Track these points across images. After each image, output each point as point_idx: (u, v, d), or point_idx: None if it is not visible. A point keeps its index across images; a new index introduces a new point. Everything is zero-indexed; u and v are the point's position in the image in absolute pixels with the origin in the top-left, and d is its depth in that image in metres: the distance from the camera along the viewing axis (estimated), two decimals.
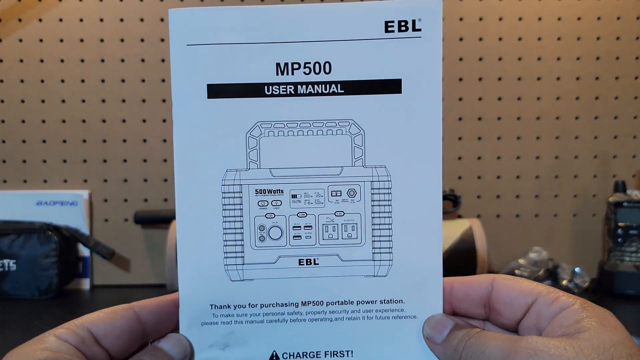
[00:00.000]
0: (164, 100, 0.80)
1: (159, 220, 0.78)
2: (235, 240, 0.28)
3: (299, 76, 0.27)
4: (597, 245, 0.83)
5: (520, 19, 0.79)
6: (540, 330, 0.25)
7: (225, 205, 0.27)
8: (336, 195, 0.28)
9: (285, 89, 0.27)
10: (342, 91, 0.27)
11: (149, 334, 0.27)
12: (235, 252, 0.28)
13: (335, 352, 0.28)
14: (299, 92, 0.27)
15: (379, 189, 0.28)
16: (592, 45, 0.80)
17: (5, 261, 0.73)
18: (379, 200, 0.28)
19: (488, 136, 0.81)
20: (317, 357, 0.28)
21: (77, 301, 0.74)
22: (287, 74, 0.27)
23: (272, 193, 0.28)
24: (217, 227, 0.27)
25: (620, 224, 0.74)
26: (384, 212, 0.28)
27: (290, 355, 0.28)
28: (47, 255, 0.73)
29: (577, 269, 0.73)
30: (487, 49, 0.80)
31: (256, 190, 0.28)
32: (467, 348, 0.25)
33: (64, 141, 0.80)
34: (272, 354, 0.28)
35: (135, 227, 0.81)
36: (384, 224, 0.28)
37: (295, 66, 0.27)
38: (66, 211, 0.79)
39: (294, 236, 0.28)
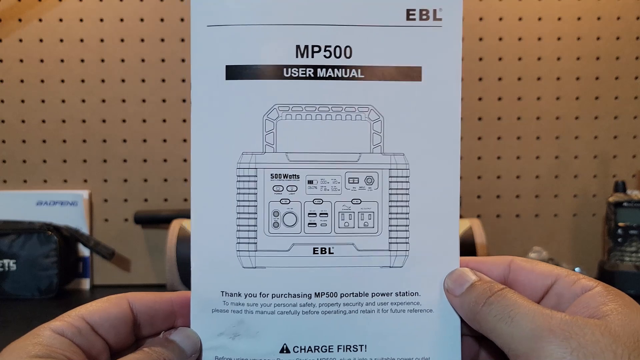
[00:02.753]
0: (164, 100, 0.80)
1: (159, 220, 0.78)
2: (249, 226, 0.27)
3: (319, 59, 0.27)
4: (597, 245, 0.83)
5: (520, 19, 0.79)
6: (562, 311, 0.24)
7: (239, 189, 0.27)
8: (353, 183, 0.27)
9: (304, 72, 0.27)
10: (362, 76, 0.27)
11: (142, 328, 0.26)
12: (248, 238, 0.27)
13: (348, 347, 0.27)
14: (318, 76, 0.27)
15: (397, 177, 0.27)
16: (592, 46, 0.80)
17: (6, 261, 0.73)
18: (397, 189, 0.27)
19: (488, 136, 0.81)
20: (329, 351, 0.27)
21: (77, 301, 0.74)
22: (307, 56, 0.27)
23: (288, 178, 0.27)
24: (231, 212, 0.27)
25: (620, 224, 0.74)
26: (402, 201, 0.27)
27: (301, 349, 0.27)
28: (47, 255, 0.73)
29: (577, 269, 0.73)
30: (487, 49, 0.80)
31: (271, 174, 0.27)
32: (489, 305, 0.24)
33: (64, 141, 0.80)
34: (283, 346, 0.27)
35: (135, 227, 0.81)
36: (401, 214, 0.27)
37: (316, 49, 0.27)
38: (66, 211, 0.79)
39: (309, 223, 0.27)
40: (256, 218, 0.27)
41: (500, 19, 0.79)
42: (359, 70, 0.27)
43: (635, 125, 0.82)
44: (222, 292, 0.27)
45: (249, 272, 0.27)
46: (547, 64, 0.80)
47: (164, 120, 0.80)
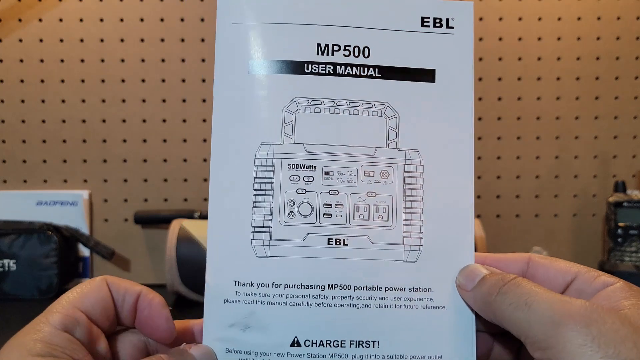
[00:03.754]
0: (164, 100, 0.80)
1: (159, 220, 0.78)
2: (264, 215, 0.27)
3: (339, 57, 0.28)
4: (597, 245, 0.83)
5: (520, 19, 0.79)
6: None
7: (257, 178, 0.27)
8: (369, 176, 0.28)
9: (324, 68, 0.28)
10: (380, 75, 0.28)
11: (117, 314, 0.26)
12: (263, 227, 0.27)
13: (360, 342, 0.27)
14: (337, 72, 0.28)
15: (411, 172, 0.28)
16: (592, 45, 0.80)
17: (5, 261, 0.73)
18: (411, 184, 0.28)
19: (488, 136, 0.81)
20: (341, 346, 0.27)
21: None
22: (327, 54, 0.28)
23: (305, 168, 0.27)
24: (248, 200, 0.27)
25: (620, 224, 0.74)
26: (416, 196, 0.28)
27: (312, 343, 0.26)
28: (47, 255, 0.73)
29: None
30: (487, 49, 0.80)
31: (289, 164, 0.27)
32: (503, 294, 0.23)
33: (64, 141, 0.80)
34: (294, 339, 0.26)
35: (135, 227, 0.81)
36: (415, 208, 0.28)
37: (336, 48, 0.28)
38: (66, 211, 0.79)
39: (324, 214, 0.27)
40: (272, 207, 0.27)
41: (500, 19, 0.79)
42: (377, 69, 0.28)
43: (635, 125, 0.82)
44: (235, 281, 0.27)
45: (262, 262, 0.27)
46: (547, 64, 0.80)
47: (164, 120, 0.80)
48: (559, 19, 0.80)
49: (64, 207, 0.79)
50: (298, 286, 0.27)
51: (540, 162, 0.82)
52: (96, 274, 0.81)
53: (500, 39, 0.80)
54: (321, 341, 0.26)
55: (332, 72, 0.28)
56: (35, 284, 0.72)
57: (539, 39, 0.80)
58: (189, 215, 0.75)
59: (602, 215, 0.82)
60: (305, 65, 0.28)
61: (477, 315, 0.27)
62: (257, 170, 0.27)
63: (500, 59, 0.80)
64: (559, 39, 0.80)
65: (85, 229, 0.79)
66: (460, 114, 0.28)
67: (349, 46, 0.28)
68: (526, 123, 0.81)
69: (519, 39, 0.80)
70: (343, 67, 0.28)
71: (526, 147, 0.82)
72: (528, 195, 0.82)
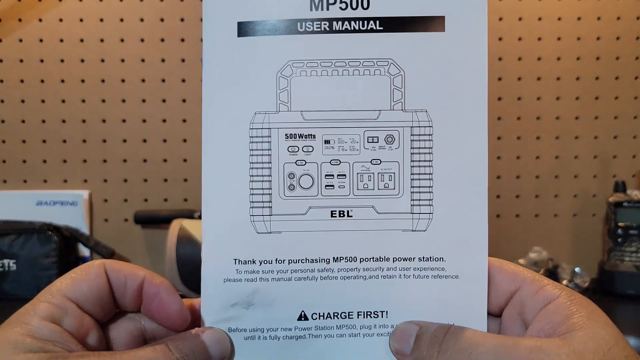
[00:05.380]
0: (164, 100, 0.79)
1: (159, 220, 0.78)
2: (263, 189, 0.25)
3: (335, 12, 0.25)
4: (597, 245, 0.83)
5: (520, 19, 0.79)
6: (527, 322, 0.24)
7: (252, 150, 0.25)
8: (373, 142, 0.26)
9: (319, 26, 0.25)
10: (381, 28, 0.25)
11: (116, 300, 0.25)
12: (263, 202, 0.25)
13: (368, 313, 0.26)
14: (334, 29, 0.25)
15: (420, 135, 0.25)
16: (592, 45, 0.80)
17: (5, 261, 0.73)
18: (419, 148, 0.25)
19: (488, 136, 0.81)
20: (349, 317, 0.26)
21: None
22: (322, 9, 0.25)
23: (304, 138, 0.25)
24: (244, 174, 0.25)
25: (620, 224, 0.74)
26: (425, 161, 0.25)
27: (320, 316, 0.26)
28: (47, 255, 0.73)
29: (577, 269, 0.73)
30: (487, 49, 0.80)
31: (286, 134, 0.25)
32: (444, 353, 0.23)
33: (64, 141, 0.80)
34: (301, 313, 0.26)
35: (135, 227, 0.81)
36: (424, 174, 0.25)
37: (331, 1, 0.25)
38: (66, 211, 0.79)
39: (327, 185, 0.26)
40: (270, 181, 0.25)
41: (501, 19, 0.79)
42: (377, 22, 0.25)
43: (635, 125, 0.82)
44: (235, 260, 0.25)
45: (263, 238, 0.26)
46: (547, 63, 0.80)
47: (164, 120, 0.80)
48: (559, 19, 0.80)
49: (64, 207, 0.79)
50: (302, 261, 0.26)
51: (540, 162, 0.82)
52: None
53: (500, 39, 0.80)
54: (329, 314, 0.26)
55: (327, 29, 0.25)
56: (35, 283, 0.72)
57: (539, 39, 0.80)
58: (189, 215, 0.75)
59: (602, 215, 0.82)
60: (299, 23, 0.25)
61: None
62: (252, 142, 0.25)
63: (500, 59, 0.80)
64: (559, 39, 0.80)
65: (85, 229, 0.79)
66: (473, 66, 0.25)
67: None
68: (526, 123, 0.81)
69: (519, 38, 0.80)
70: (340, 23, 0.25)
71: (526, 147, 0.82)
72: (528, 195, 0.82)
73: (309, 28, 0.25)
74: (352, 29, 0.25)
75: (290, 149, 0.25)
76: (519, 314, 0.25)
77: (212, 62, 0.25)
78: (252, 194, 0.25)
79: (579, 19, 0.80)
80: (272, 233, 0.26)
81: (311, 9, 0.25)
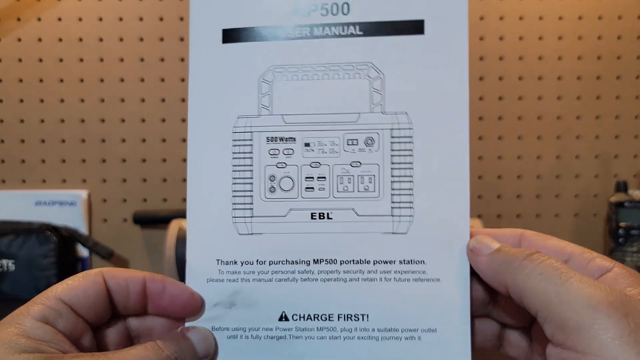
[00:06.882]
0: (163, 100, 0.79)
1: (158, 220, 0.78)
2: (245, 191, 0.26)
3: (316, 17, 0.26)
4: (598, 245, 0.82)
5: (521, 18, 0.79)
6: None
7: (235, 153, 0.26)
8: (352, 144, 0.26)
9: (300, 32, 0.26)
10: (361, 33, 0.26)
11: (116, 304, 0.25)
12: (244, 204, 0.26)
13: (349, 316, 0.26)
14: (314, 35, 0.26)
15: (400, 137, 0.26)
16: (593, 45, 0.80)
17: (4, 261, 0.72)
18: (399, 150, 0.26)
19: (489, 136, 0.81)
20: (329, 319, 0.26)
21: None
22: (304, 15, 0.26)
23: (284, 141, 0.26)
24: (227, 177, 0.26)
25: (622, 224, 0.74)
26: (405, 163, 0.26)
27: (300, 317, 0.26)
28: (46, 255, 0.72)
29: None
30: (487, 49, 0.80)
31: (267, 137, 0.26)
32: (532, 261, 0.21)
33: (63, 141, 0.79)
34: (282, 314, 0.26)
35: (134, 228, 0.80)
36: (405, 176, 0.26)
37: (312, 7, 0.26)
38: (65, 211, 0.79)
39: (307, 188, 0.26)
40: (252, 183, 0.26)
41: (501, 18, 0.79)
42: (357, 27, 0.26)
43: (637, 125, 0.82)
44: (218, 260, 0.26)
45: (245, 239, 0.26)
46: (548, 63, 0.80)
47: (163, 120, 0.80)
48: (560, 18, 0.79)
49: (62, 207, 0.79)
50: (283, 262, 0.26)
51: (541, 162, 0.82)
52: None
53: (501, 38, 0.79)
54: (309, 315, 0.26)
55: (309, 34, 0.26)
56: (34, 284, 0.72)
57: (540, 38, 0.80)
58: None
59: (603, 215, 0.82)
60: (280, 29, 0.26)
61: (488, 301, 0.25)
62: (235, 145, 0.26)
63: (501, 58, 0.80)
64: (560, 38, 0.80)
65: (84, 229, 0.79)
66: (454, 68, 0.25)
67: (326, 4, 0.26)
68: (527, 123, 0.81)
69: (520, 38, 0.80)
70: (320, 28, 0.26)
71: (527, 146, 0.81)
72: (529, 195, 0.82)
73: (290, 35, 0.26)
74: (333, 34, 0.26)
75: (271, 152, 0.26)
76: None
77: (197, 67, 0.26)
78: (235, 196, 0.26)
79: (580, 18, 0.79)
80: (253, 234, 0.26)
81: (293, 15, 0.26)
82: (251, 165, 0.26)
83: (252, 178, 0.26)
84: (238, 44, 0.26)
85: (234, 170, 0.26)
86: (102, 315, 0.25)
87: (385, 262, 0.26)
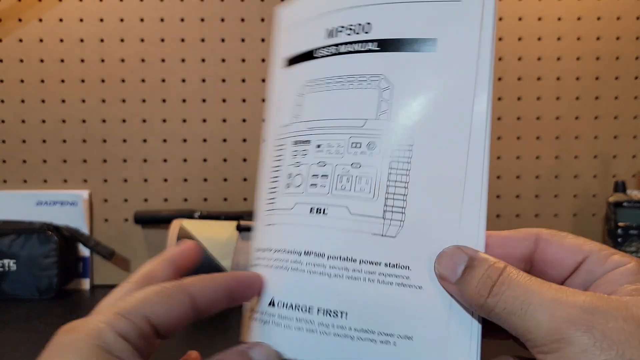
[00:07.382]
0: (164, 100, 0.79)
1: (159, 220, 0.78)
2: (273, 188, 0.30)
3: (343, 37, 0.29)
4: None
5: (520, 19, 0.79)
6: (586, 287, 0.23)
7: (275, 157, 0.30)
8: (356, 147, 0.27)
9: (329, 50, 0.29)
10: (378, 48, 0.28)
11: (198, 314, 0.24)
12: (271, 199, 0.30)
13: (328, 311, 0.26)
14: (340, 52, 0.29)
15: (400, 144, 0.27)
16: (592, 45, 0.80)
17: (5, 261, 0.73)
18: (398, 157, 0.27)
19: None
20: (308, 312, 0.26)
21: (77, 301, 0.74)
22: (334, 36, 0.29)
23: (302, 144, 0.29)
24: (268, 176, 0.30)
25: (620, 224, 0.74)
26: (402, 169, 0.26)
27: (284, 305, 0.27)
28: (47, 255, 0.73)
29: None
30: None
31: (293, 141, 0.29)
32: (495, 296, 0.21)
33: (64, 141, 0.80)
34: (271, 299, 0.27)
35: (135, 227, 0.81)
36: (400, 182, 0.26)
37: (340, 29, 0.29)
38: (66, 211, 0.79)
39: (311, 184, 0.28)
40: (278, 180, 0.29)
41: (500, 19, 0.79)
42: (376, 43, 0.28)
43: (636, 125, 0.82)
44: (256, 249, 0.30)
45: (266, 229, 0.29)
46: (547, 63, 0.80)
47: (164, 120, 0.80)
48: (559, 18, 0.80)
49: (63, 207, 0.79)
50: (280, 251, 0.28)
51: (540, 162, 0.82)
52: (96, 274, 0.81)
53: (500, 39, 0.80)
54: (291, 304, 0.27)
55: (335, 52, 0.29)
56: (35, 284, 0.72)
57: (539, 38, 0.80)
58: (189, 215, 0.75)
59: (602, 215, 0.82)
60: (315, 51, 0.30)
61: (484, 322, 0.25)
62: (275, 150, 0.30)
63: (500, 59, 0.80)
64: (559, 38, 0.80)
65: (85, 229, 0.79)
66: (460, 84, 0.27)
67: (353, 25, 0.29)
68: (526, 123, 0.81)
69: (519, 38, 0.80)
70: (345, 46, 0.29)
71: (526, 147, 0.82)
72: (528, 195, 0.82)
73: (322, 53, 0.29)
74: (354, 50, 0.29)
75: (293, 154, 0.29)
76: (582, 284, 0.24)
77: (270, 88, 0.32)
78: (269, 192, 0.30)
79: (579, 18, 0.80)
80: (270, 225, 0.29)
81: (327, 38, 0.30)
82: (280, 166, 0.30)
83: (278, 177, 0.29)
84: (289, 67, 0.31)
85: (272, 171, 0.30)
86: (173, 330, 0.24)
87: (371, 263, 0.26)
